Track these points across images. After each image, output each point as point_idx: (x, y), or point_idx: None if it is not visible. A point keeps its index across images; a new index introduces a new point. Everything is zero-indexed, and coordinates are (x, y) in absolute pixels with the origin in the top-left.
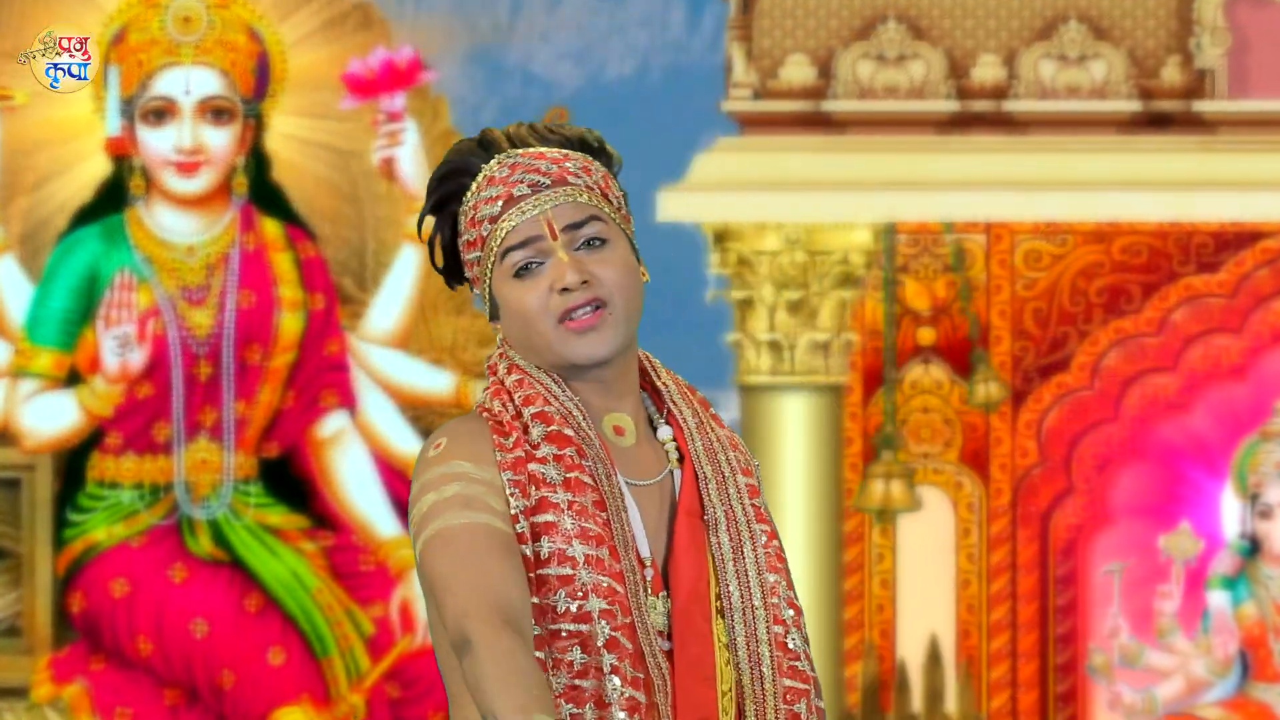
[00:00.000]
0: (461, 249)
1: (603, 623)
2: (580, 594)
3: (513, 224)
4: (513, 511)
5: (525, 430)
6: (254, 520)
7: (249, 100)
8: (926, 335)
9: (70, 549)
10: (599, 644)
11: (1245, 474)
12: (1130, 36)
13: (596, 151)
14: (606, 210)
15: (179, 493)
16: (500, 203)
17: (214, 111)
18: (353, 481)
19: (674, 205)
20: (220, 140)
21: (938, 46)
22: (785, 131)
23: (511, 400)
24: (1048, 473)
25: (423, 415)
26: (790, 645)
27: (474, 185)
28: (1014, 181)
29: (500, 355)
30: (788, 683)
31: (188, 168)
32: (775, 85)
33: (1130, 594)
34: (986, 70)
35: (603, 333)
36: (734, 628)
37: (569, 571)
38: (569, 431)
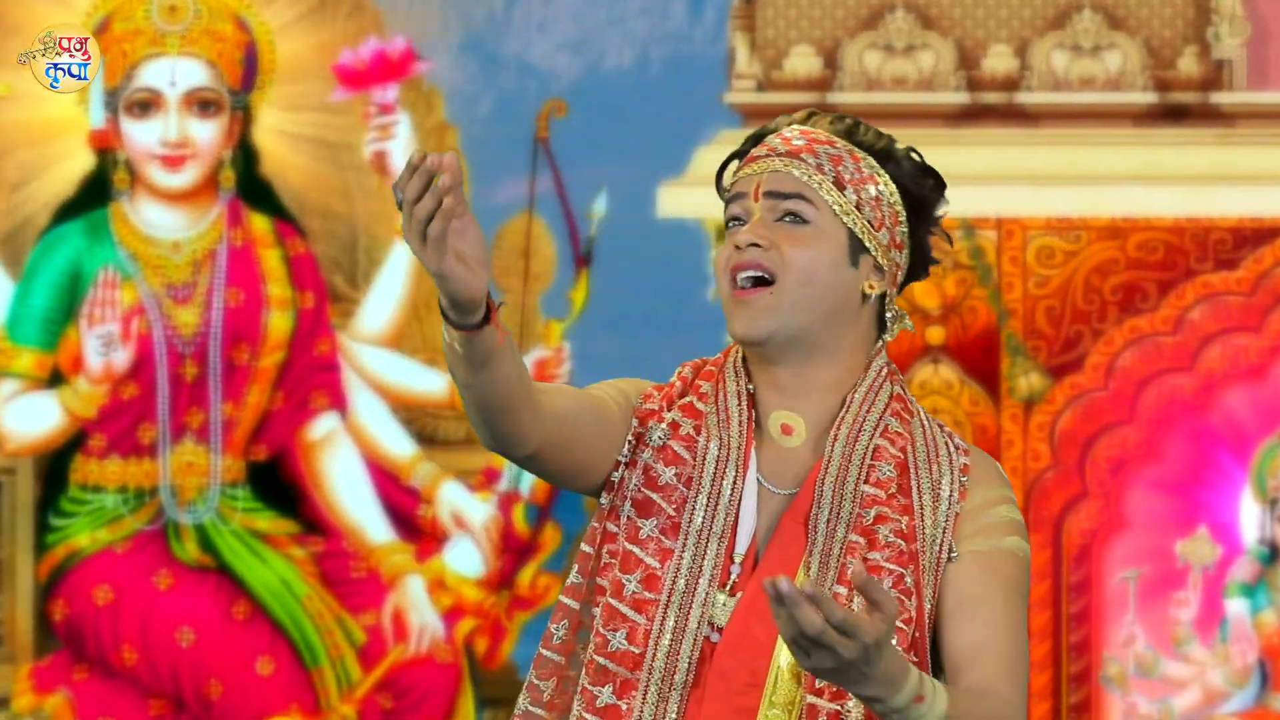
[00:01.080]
0: None
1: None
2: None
3: (730, 180)
4: (621, 456)
5: (669, 403)
6: (242, 525)
7: (236, 92)
8: (935, 334)
9: (52, 555)
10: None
11: (1265, 478)
12: (1146, 26)
13: (880, 155)
14: (831, 199)
15: (164, 497)
16: (742, 163)
17: (200, 103)
18: (343, 485)
19: (674, 200)
20: (207, 133)
21: (947, 37)
22: None
23: (694, 375)
24: (1061, 476)
25: (416, 417)
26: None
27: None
28: (1026, 176)
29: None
30: (810, 699)
31: (173, 161)
32: (779, 77)
33: (1146, 601)
34: (998, 61)
35: (756, 310)
36: None
37: (612, 548)
38: (698, 428)
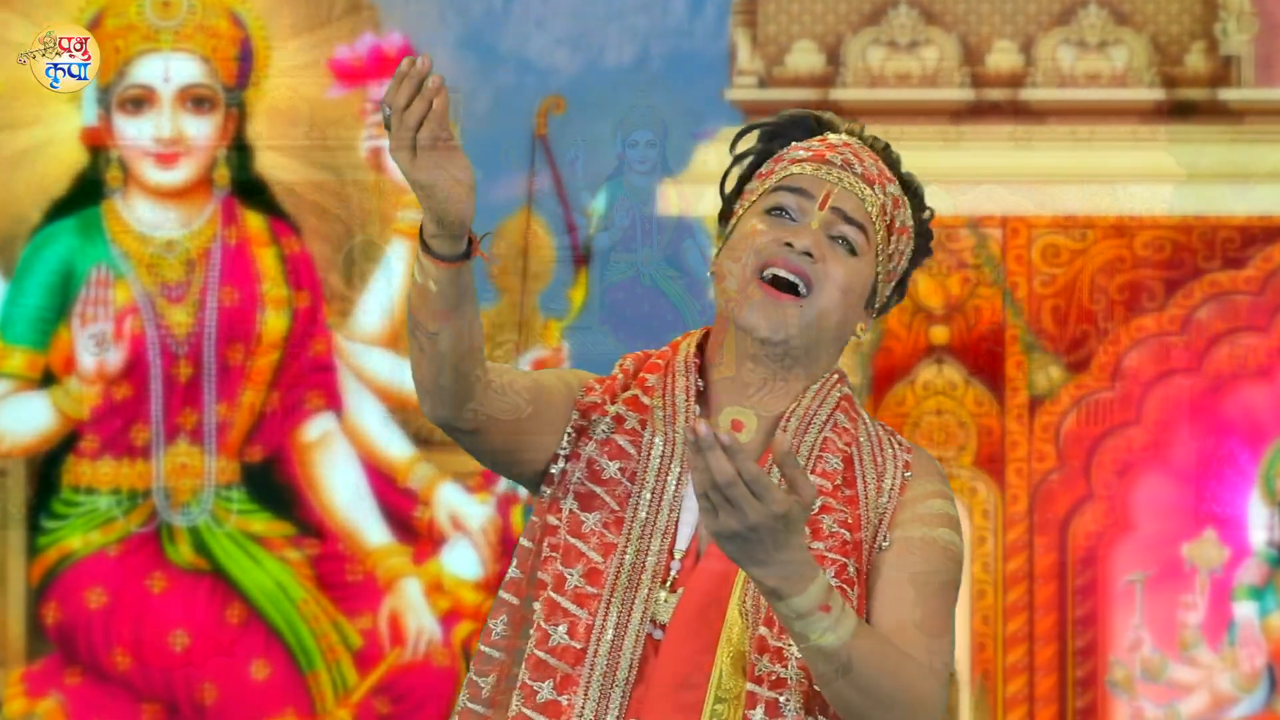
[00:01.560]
0: (749, 178)
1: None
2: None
3: (803, 170)
4: (561, 449)
5: (612, 397)
6: (236, 528)
7: (231, 88)
8: (940, 334)
9: (44, 557)
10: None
11: (1273, 479)
12: (1153, 22)
13: (914, 197)
14: (879, 243)
15: (158, 499)
16: (810, 153)
17: (194, 100)
18: (339, 487)
19: (675, 198)
20: (201, 130)
21: (951, 32)
22: None
23: (637, 368)
24: (1066, 478)
25: (412, 418)
26: (784, 651)
27: (807, 140)
28: (1031, 173)
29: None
30: (750, 687)
31: (167, 159)
32: (781, 73)
33: (1153, 605)
34: (1002, 57)
35: (785, 315)
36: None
37: (554, 541)
38: (642, 422)
